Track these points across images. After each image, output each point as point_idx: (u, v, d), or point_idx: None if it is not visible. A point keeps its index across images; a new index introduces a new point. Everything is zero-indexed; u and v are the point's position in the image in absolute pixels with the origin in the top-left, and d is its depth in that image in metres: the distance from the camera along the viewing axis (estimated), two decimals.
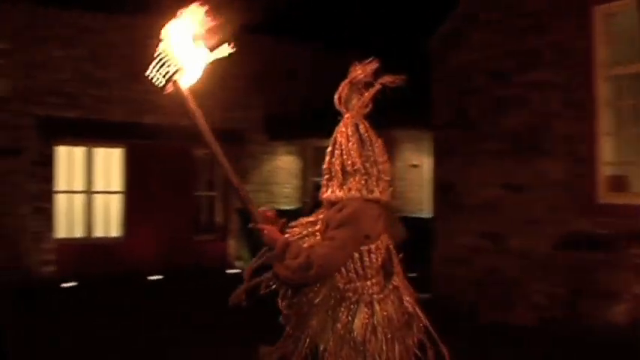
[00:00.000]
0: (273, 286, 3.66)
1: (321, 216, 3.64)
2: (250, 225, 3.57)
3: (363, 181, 3.51)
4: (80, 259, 14.47)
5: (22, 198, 13.97)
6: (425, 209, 14.28)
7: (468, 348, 8.84)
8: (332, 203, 3.56)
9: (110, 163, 15.37)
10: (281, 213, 3.63)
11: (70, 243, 14.62)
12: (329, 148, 3.65)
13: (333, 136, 3.65)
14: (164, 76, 3.48)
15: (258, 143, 16.82)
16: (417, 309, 3.69)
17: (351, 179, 3.52)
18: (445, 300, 10.89)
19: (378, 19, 17.24)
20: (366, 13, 17.14)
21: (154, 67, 3.49)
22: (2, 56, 13.82)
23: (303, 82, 16.67)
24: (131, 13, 14.65)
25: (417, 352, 3.66)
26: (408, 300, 3.67)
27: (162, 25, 3.50)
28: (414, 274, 12.34)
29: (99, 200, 15.25)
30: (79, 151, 15.00)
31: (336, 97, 3.71)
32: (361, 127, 3.61)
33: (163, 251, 15.20)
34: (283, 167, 17.57)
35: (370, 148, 3.57)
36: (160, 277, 14.57)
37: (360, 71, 3.67)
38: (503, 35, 10.58)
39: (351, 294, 3.51)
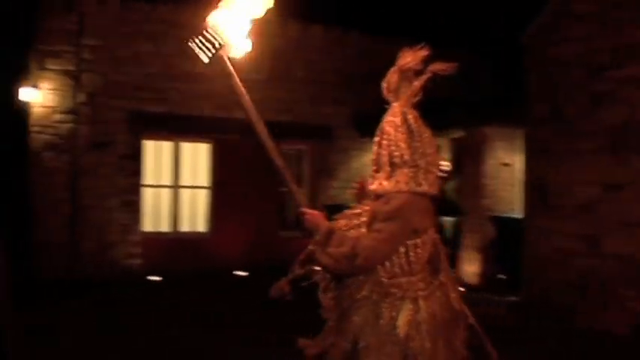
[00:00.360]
0: (315, 279, 3.64)
1: (366, 208, 3.55)
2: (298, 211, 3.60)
3: (411, 174, 3.40)
4: (166, 253, 14.54)
5: (110, 191, 14.13)
6: (516, 209, 13.77)
7: (557, 352, 8.49)
8: (378, 195, 3.46)
9: (197, 158, 15.41)
10: None
11: (156, 237, 14.73)
12: (376, 139, 3.55)
13: (381, 125, 3.55)
14: (209, 51, 3.48)
15: (347, 139, 16.53)
16: (464, 306, 3.58)
17: (399, 171, 3.42)
18: (535, 303, 10.53)
19: (469, 15, 16.81)
20: (457, 10, 16.75)
21: (198, 42, 3.49)
22: (92, 52, 14.03)
23: None
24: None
25: (463, 350, 3.57)
26: (454, 297, 3.56)
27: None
28: (503, 276, 11.95)
29: (186, 195, 15.30)
30: (166, 146, 15.09)
31: (384, 85, 3.61)
32: (410, 116, 3.48)
33: (249, 247, 15.11)
34: None
35: (419, 139, 3.45)
36: (245, 273, 14.49)
37: (409, 58, 3.56)
38: (600, 28, 10.14)
39: (395, 290, 3.42)
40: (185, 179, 15.31)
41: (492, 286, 12.57)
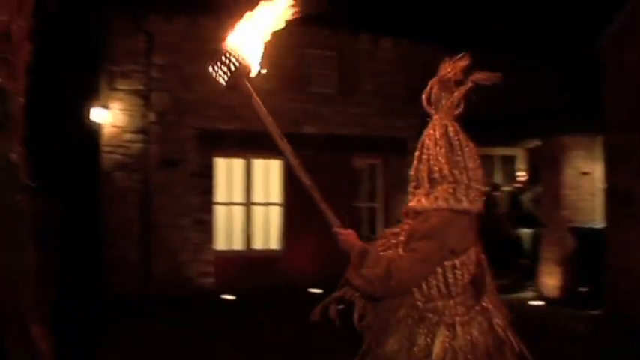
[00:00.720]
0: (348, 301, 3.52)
1: (406, 227, 3.38)
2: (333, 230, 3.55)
3: (450, 190, 3.23)
4: (239, 271, 14.38)
5: (182, 210, 14.05)
6: (597, 219, 13.11)
7: None
8: (417, 213, 3.31)
9: (269, 175, 15.23)
10: None
11: (229, 255, 14.60)
12: (416, 153, 3.40)
13: (421, 139, 3.41)
14: (226, 75, 3.46)
15: None
16: (509, 333, 3.31)
17: (439, 187, 3.25)
18: (618, 316, 9.99)
19: (538, 23, 16.26)
20: (526, 18, 16.22)
21: (217, 67, 3.49)
22: (161, 71, 14.03)
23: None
24: (289, 22, 14.49)
25: None
26: (498, 323, 3.31)
27: (267, 29, 3.55)
28: (584, 289, 11.27)
29: (258, 212, 15.15)
30: (238, 163, 14.96)
31: (423, 96, 3.51)
32: (450, 129, 3.33)
33: (323, 264, 14.73)
34: None
35: (460, 153, 3.29)
36: (319, 290, 14.15)
37: (449, 68, 3.42)
38: None
39: (431, 314, 3.25)
40: (257, 196, 15.16)
41: (573, 299, 12.04)
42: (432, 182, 3.28)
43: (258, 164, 15.13)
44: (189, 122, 14.23)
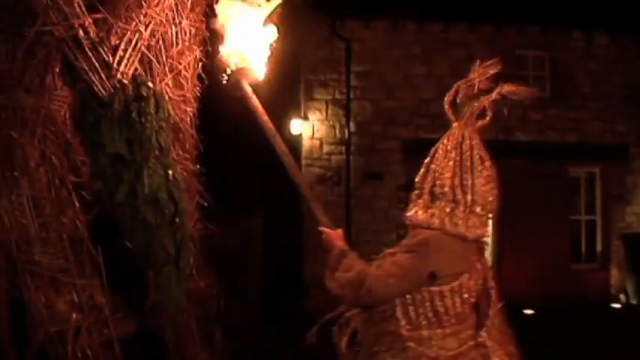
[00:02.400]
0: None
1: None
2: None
3: (448, 210, 3.00)
4: None
5: (386, 225, 13.35)
6: None
7: None
8: (414, 225, 3.10)
9: None
10: None
11: None
12: (427, 159, 3.21)
13: (435, 146, 3.21)
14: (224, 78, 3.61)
15: None
16: None
17: (438, 203, 3.04)
18: None
19: None
20: None
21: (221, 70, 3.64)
22: (361, 79, 13.50)
23: None
24: (494, 22, 13.55)
25: None
26: None
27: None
28: None
29: None
30: None
31: (446, 98, 3.26)
32: (466, 143, 3.11)
33: (537, 282, 13.64)
34: None
35: (469, 171, 3.05)
36: (533, 311, 13.06)
37: (476, 74, 3.21)
38: None
39: (414, 344, 3.00)
40: None
41: None
42: (433, 196, 3.06)
43: None
44: (392, 132, 13.57)
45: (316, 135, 13.35)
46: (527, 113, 13.92)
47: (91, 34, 3.83)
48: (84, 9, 3.83)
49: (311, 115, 13.35)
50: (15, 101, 3.94)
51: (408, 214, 3.17)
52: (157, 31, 4.34)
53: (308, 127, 13.29)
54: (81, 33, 3.80)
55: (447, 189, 3.02)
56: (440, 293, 2.98)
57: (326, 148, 13.33)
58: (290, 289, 12.50)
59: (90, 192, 4.09)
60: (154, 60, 4.33)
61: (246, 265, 10.18)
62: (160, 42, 4.47)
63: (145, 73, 4.28)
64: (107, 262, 4.03)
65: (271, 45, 3.83)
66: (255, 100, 3.58)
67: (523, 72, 14.20)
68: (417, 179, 3.20)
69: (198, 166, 5.11)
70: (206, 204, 5.21)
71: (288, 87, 13.32)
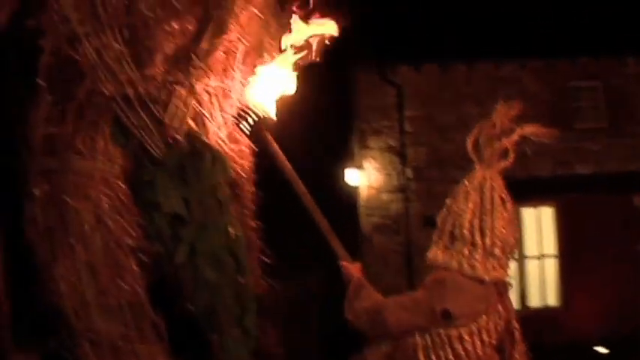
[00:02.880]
0: None
1: None
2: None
3: (466, 252, 3.04)
4: None
5: None
6: None
7: None
8: (434, 266, 3.18)
9: (541, 223, 13.90)
10: None
11: None
12: (448, 200, 3.28)
13: (457, 187, 3.29)
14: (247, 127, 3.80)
15: None
16: None
17: (457, 244, 3.08)
18: None
19: None
20: None
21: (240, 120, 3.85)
22: (414, 123, 13.39)
23: None
24: (545, 56, 13.35)
25: None
26: None
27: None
28: None
29: (532, 266, 13.81)
30: None
31: (468, 140, 3.36)
32: (487, 184, 3.18)
33: (608, 319, 13.25)
34: None
35: (489, 213, 3.08)
36: (606, 349, 12.63)
37: (498, 115, 3.28)
38: None
39: None
40: (530, 248, 13.81)
41: None
42: (453, 237, 3.09)
43: (528, 213, 13.86)
44: (449, 175, 13.32)
45: (373, 184, 13.22)
46: (584, 144, 13.66)
47: (141, 91, 3.72)
48: (133, 66, 3.73)
49: (366, 164, 13.25)
50: (67, 165, 3.85)
51: (429, 254, 3.22)
52: (209, 85, 4.22)
53: (364, 177, 13.19)
54: (131, 90, 3.69)
55: (465, 231, 3.04)
56: (459, 337, 2.99)
57: (384, 197, 13.18)
58: (349, 344, 12.26)
59: (148, 254, 3.95)
60: (207, 114, 4.20)
61: (306, 320, 10.02)
62: (214, 96, 4.36)
63: (199, 127, 4.15)
64: (169, 327, 3.89)
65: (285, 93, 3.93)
66: (276, 148, 3.75)
67: (577, 103, 13.96)
68: (438, 219, 3.25)
69: (257, 222, 4.96)
70: (267, 260, 5.05)
71: (341, 136, 13.28)
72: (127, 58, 3.72)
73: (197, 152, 3.94)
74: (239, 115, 3.82)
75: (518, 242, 2.92)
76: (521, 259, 13.76)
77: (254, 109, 3.77)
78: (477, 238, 3.03)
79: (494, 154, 3.21)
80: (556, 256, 13.95)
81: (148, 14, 3.94)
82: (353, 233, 12.93)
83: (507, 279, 3.21)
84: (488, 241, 3.03)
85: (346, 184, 13.17)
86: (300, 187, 3.73)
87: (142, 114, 3.74)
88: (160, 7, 4.02)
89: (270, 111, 3.81)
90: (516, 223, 3.20)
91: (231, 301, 3.95)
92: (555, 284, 14.02)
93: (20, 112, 3.94)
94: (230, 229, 3.95)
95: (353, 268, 3.53)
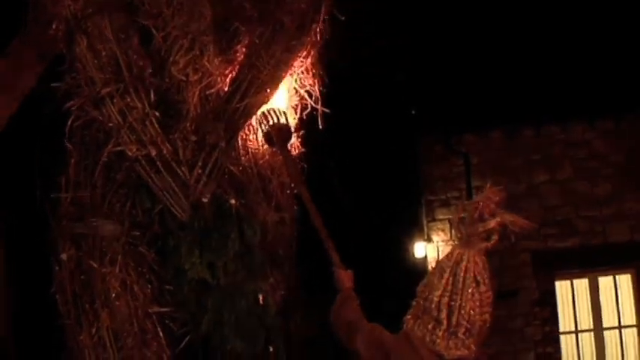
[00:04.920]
0: None
1: None
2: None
3: (430, 327, 3.03)
4: None
5: (522, 344, 12.57)
6: None
7: None
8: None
9: (619, 292, 13.26)
10: None
11: None
12: (429, 272, 3.30)
13: (439, 261, 3.30)
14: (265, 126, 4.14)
15: None
16: None
17: (425, 317, 3.06)
18: None
19: None
20: None
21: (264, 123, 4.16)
22: (481, 193, 13.07)
23: None
24: (614, 117, 12.98)
25: None
26: None
27: None
28: None
29: (610, 338, 13.15)
30: (580, 284, 13.19)
31: (453, 219, 3.54)
32: (462, 265, 3.13)
33: None
34: None
35: (459, 294, 3.04)
36: None
37: (483, 199, 3.29)
38: None
39: None
40: (607, 320, 13.19)
41: None
42: (424, 309, 3.06)
43: (605, 282, 13.21)
44: (521, 245, 12.92)
45: (441, 257, 12.90)
46: None
47: (165, 152, 3.64)
48: (157, 127, 3.67)
49: (435, 237, 12.94)
50: (94, 229, 3.79)
51: (405, 317, 3.20)
52: (242, 145, 4.13)
53: (432, 250, 12.87)
54: (154, 152, 3.62)
55: (433, 306, 3.02)
56: None
57: None
58: None
59: (175, 322, 3.83)
60: (240, 176, 4.10)
61: None
62: (250, 159, 4.26)
63: (231, 191, 4.05)
64: None
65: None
66: (292, 157, 4.05)
67: None
68: (418, 288, 3.20)
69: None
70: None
71: (407, 208, 13.08)
72: (151, 118, 3.66)
73: (224, 216, 3.82)
74: (260, 118, 4.00)
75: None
76: (599, 332, 12.99)
77: (275, 115, 3.99)
78: (443, 316, 3.02)
79: (474, 235, 3.20)
80: (636, 326, 13.03)
81: (178, 77, 3.90)
82: None
83: (469, 357, 3.06)
84: (454, 320, 3.02)
85: (414, 257, 12.87)
86: (305, 194, 4.01)
87: (167, 175, 3.65)
88: (193, 71, 3.99)
89: (288, 118, 4.09)
90: (488, 308, 3.17)
91: None
92: (635, 357, 13.23)
93: (48, 175, 3.93)
94: (260, 296, 3.79)
95: (345, 276, 3.72)
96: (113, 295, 3.72)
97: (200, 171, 3.74)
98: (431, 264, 12.88)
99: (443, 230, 12.98)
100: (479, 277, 3.16)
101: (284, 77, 4.25)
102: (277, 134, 4.05)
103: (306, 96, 4.57)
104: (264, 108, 4.11)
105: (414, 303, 3.18)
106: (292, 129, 4.18)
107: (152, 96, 3.73)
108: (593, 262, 12.76)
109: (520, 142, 12.99)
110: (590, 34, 12.46)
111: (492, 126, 12.96)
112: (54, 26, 3.86)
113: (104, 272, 3.74)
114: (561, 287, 13.08)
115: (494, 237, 3.20)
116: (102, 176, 3.80)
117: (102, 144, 3.76)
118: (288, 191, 4.62)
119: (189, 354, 3.78)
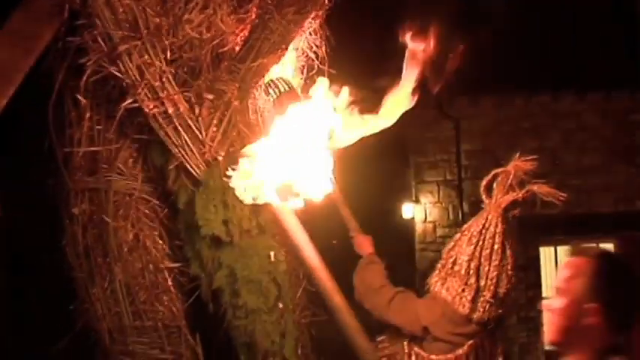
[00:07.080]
0: None
1: None
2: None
3: (459, 289, 3.19)
4: None
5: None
6: None
7: None
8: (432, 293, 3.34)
9: None
10: None
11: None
12: (457, 235, 3.39)
13: (465, 225, 3.39)
14: (274, 94, 3.90)
15: None
16: None
17: (454, 280, 3.22)
18: None
19: None
20: None
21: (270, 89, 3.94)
22: (471, 157, 13.11)
23: None
24: (604, 90, 13.03)
25: None
26: None
27: None
28: None
29: None
30: (564, 250, 13.33)
31: (483, 182, 3.49)
32: (491, 229, 3.27)
33: None
34: None
35: (487, 257, 3.19)
36: None
37: (513, 166, 3.39)
38: None
39: None
40: None
41: None
42: (452, 272, 3.21)
43: None
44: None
45: (429, 218, 12.98)
46: None
47: (182, 110, 3.65)
48: (173, 83, 3.67)
49: (422, 198, 13.02)
50: (107, 184, 3.80)
51: (430, 279, 3.38)
52: (254, 103, 4.14)
53: (420, 211, 12.95)
54: (171, 108, 3.62)
55: (462, 271, 3.17)
56: None
57: (439, 232, 12.92)
58: None
59: (187, 277, 3.87)
60: (249, 134, 4.11)
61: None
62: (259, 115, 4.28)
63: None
64: (206, 352, 3.80)
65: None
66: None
67: (638, 138, 13.58)
68: (444, 250, 3.36)
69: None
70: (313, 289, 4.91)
71: (397, 170, 13.09)
72: (168, 76, 3.66)
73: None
74: (267, 85, 3.90)
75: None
76: None
77: (282, 82, 3.88)
78: (472, 280, 3.16)
79: (503, 202, 3.31)
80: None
81: (193, 35, 3.90)
82: (410, 270, 12.73)
83: (499, 318, 3.29)
84: (482, 284, 3.16)
85: (403, 218, 12.94)
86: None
87: (183, 132, 3.66)
88: (206, 29, 3.98)
89: (295, 85, 3.99)
90: (512, 273, 3.30)
91: (271, 327, 3.81)
92: None
93: (62, 130, 3.93)
94: (271, 254, 3.82)
95: (365, 241, 3.71)
96: (125, 249, 3.75)
97: (215, 129, 3.74)
98: (426, 226, 12.98)
99: (431, 192, 13.05)
100: (506, 243, 3.26)
101: (295, 38, 4.24)
102: (287, 100, 3.91)
103: (313, 57, 4.56)
104: (269, 76, 4.07)
105: (439, 265, 3.31)
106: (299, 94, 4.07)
107: (169, 53, 3.72)
108: (577, 231, 12.90)
109: (510, 109, 13.04)
110: (585, 9, 12.52)
111: (484, 93, 12.99)
112: None
113: (116, 227, 3.76)
114: (545, 253, 13.26)
115: (519, 207, 3.34)
116: (116, 131, 3.80)
117: (115, 100, 3.75)
118: None
119: (201, 309, 3.83)
